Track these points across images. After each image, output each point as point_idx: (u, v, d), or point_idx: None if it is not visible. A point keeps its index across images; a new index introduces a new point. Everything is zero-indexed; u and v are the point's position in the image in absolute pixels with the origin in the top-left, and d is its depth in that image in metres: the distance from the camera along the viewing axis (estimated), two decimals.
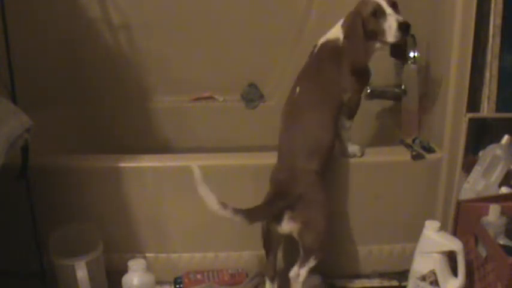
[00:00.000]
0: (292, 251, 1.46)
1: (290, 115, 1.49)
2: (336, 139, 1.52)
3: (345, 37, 1.48)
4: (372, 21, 1.44)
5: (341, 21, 1.52)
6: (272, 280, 1.50)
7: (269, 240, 1.46)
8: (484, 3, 1.45)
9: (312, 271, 1.43)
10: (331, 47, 1.51)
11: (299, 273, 1.42)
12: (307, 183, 1.40)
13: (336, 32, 1.51)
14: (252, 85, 2.11)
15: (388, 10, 1.43)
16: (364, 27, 1.44)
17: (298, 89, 1.50)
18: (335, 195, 1.57)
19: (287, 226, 1.39)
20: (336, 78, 1.48)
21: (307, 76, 1.52)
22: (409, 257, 1.47)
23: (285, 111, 1.51)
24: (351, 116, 1.54)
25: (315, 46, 1.55)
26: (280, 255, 1.55)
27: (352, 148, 1.57)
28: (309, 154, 1.43)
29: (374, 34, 1.45)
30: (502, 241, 1.37)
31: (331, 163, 1.50)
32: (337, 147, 1.57)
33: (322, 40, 1.54)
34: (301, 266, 1.42)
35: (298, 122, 1.47)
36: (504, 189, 1.51)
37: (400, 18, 1.42)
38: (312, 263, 1.41)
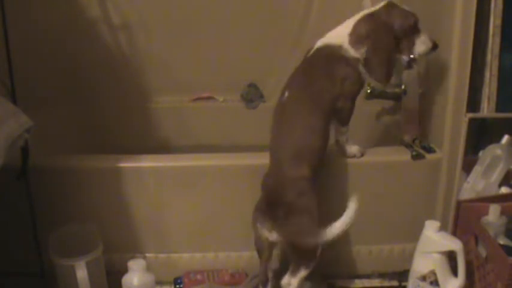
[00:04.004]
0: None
1: (278, 120, 1.47)
2: (327, 145, 1.48)
3: (371, 50, 1.43)
4: (407, 35, 1.45)
5: (348, 27, 1.47)
6: (264, 285, 1.49)
7: (261, 246, 1.44)
8: (484, 3, 1.45)
9: (304, 279, 1.39)
10: (328, 52, 1.47)
11: (290, 282, 1.39)
12: (296, 191, 1.37)
13: (338, 38, 1.47)
14: (252, 85, 2.11)
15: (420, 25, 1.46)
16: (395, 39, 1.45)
17: (286, 94, 1.47)
18: (335, 196, 1.57)
19: (276, 234, 1.37)
20: (329, 86, 1.45)
21: (297, 80, 1.49)
22: (409, 257, 1.47)
23: (273, 116, 1.48)
24: (344, 122, 1.52)
25: (310, 49, 1.53)
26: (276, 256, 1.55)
27: (351, 149, 1.56)
28: (297, 161, 1.39)
29: (399, 48, 1.46)
30: (502, 241, 1.37)
31: (323, 168, 1.48)
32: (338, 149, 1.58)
33: (319, 44, 1.51)
34: (292, 275, 1.38)
35: (286, 128, 1.44)
36: (504, 189, 1.51)
37: (431, 36, 1.48)
38: (303, 272, 1.38)
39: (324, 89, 1.45)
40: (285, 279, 1.40)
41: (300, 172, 1.38)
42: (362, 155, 1.57)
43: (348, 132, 1.55)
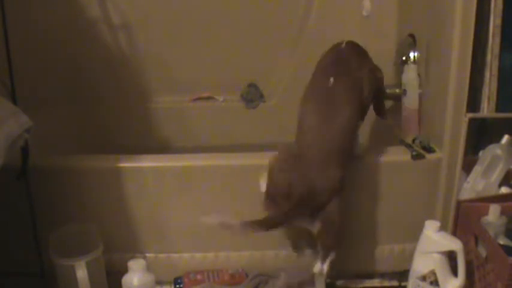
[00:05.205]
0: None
1: (322, 109, 1.42)
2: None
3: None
4: None
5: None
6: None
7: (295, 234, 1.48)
8: (484, 3, 1.45)
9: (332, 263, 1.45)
10: (357, 45, 1.54)
11: (323, 268, 1.44)
12: (334, 190, 1.38)
13: None
14: (252, 85, 2.11)
15: None
16: None
17: (332, 80, 1.43)
18: None
19: (308, 226, 1.40)
20: (361, 77, 1.49)
21: (338, 68, 1.48)
22: (409, 257, 1.47)
23: (314, 101, 1.44)
24: (362, 116, 1.54)
25: (340, 43, 1.55)
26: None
27: (358, 149, 1.57)
28: (344, 158, 1.40)
29: None
30: (502, 241, 1.37)
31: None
32: None
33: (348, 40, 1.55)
34: (323, 261, 1.44)
35: (333, 120, 1.41)
36: (504, 189, 1.51)
37: None
38: (332, 256, 1.43)
39: (359, 79, 1.48)
40: (317, 267, 1.44)
41: (342, 171, 1.39)
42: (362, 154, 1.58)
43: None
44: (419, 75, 1.72)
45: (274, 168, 1.41)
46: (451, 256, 1.40)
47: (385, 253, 1.65)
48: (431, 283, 1.40)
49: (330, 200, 1.38)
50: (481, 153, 1.54)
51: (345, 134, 1.42)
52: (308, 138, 1.41)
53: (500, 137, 1.53)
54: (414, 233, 1.45)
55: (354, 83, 1.47)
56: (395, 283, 1.65)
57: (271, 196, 1.40)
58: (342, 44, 1.54)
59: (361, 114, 1.51)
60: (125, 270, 1.41)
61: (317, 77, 1.49)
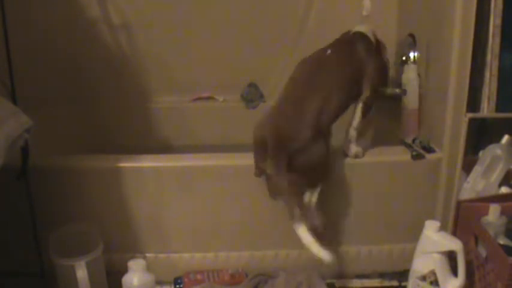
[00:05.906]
0: None
1: (314, 68, 1.53)
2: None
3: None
4: None
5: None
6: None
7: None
8: (484, 3, 1.45)
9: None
10: (366, 37, 1.58)
11: (311, 199, 1.47)
12: (304, 138, 1.42)
13: (366, 30, 1.60)
14: (252, 85, 2.11)
15: None
16: None
17: (329, 51, 1.55)
18: (335, 195, 1.57)
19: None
20: (362, 66, 1.54)
21: (340, 47, 1.57)
22: (409, 257, 1.47)
23: (307, 62, 1.55)
24: (364, 114, 1.56)
25: (348, 31, 1.61)
26: None
27: (356, 149, 1.57)
28: (331, 112, 1.46)
29: None
30: (502, 241, 1.37)
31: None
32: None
33: (355, 29, 1.61)
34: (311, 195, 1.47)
35: (323, 79, 1.50)
36: (504, 189, 1.51)
37: None
38: (317, 190, 1.46)
39: (360, 64, 1.55)
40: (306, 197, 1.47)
41: (321, 128, 1.44)
42: (362, 156, 1.58)
43: (358, 129, 1.58)
44: (419, 75, 1.72)
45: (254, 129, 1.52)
46: (451, 256, 1.40)
47: (385, 253, 1.65)
48: (431, 283, 1.40)
49: (305, 149, 1.41)
50: (481, 153, 1.54)
51: (325, 98, 1.47)
52: (288, 92, 1.52)
53: (500, 137, 1.53)
54: (414, 233, 1.45)
55: (350, 58, 1.54)
56: (395, 283, 1.65)
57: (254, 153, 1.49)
58: (349, 32, 1.61)
59: (355, 93, 1.55)
60: (124, 270, 1.41)
61: (318, 50, 1.58)
